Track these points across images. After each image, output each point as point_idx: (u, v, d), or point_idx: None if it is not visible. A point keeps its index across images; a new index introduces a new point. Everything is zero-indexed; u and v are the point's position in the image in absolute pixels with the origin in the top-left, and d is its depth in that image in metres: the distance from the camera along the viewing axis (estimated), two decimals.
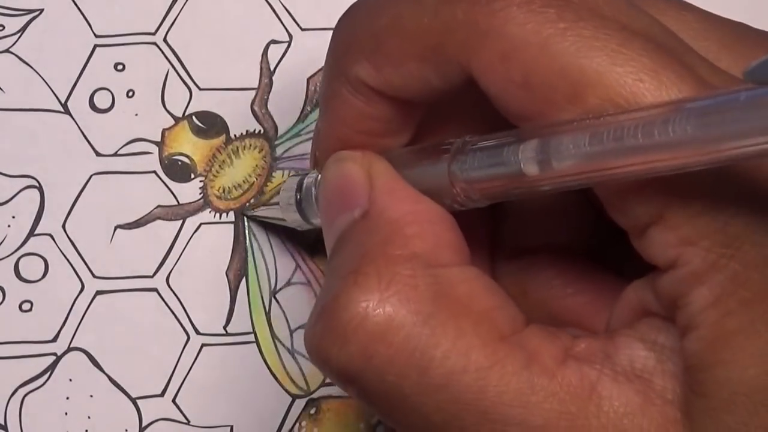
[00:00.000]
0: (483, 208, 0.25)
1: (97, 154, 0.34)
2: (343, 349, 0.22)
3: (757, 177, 0.20)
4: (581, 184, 0.21)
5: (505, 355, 0.22)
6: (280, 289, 0.34)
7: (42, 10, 0.35)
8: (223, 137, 0.35)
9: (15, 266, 0.33)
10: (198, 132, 0.35)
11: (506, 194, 0.23)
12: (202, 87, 0.35)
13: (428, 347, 0.22)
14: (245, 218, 0.34)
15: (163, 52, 0.35)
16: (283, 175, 0.34)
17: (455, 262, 0.23)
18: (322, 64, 0.35)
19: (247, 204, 0.34)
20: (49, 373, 0.33)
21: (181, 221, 0.34)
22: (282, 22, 0.35)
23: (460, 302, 0.22)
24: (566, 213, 0.26)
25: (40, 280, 0.33)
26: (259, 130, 0.35)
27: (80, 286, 0.33)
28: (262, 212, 0.33)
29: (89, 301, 0.33)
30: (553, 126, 0.21)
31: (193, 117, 0.35)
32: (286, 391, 0.33)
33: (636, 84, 0.20)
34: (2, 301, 0.33)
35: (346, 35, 0.25)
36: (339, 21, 0.26)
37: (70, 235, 0.34)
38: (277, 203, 0.31)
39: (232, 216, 0.34)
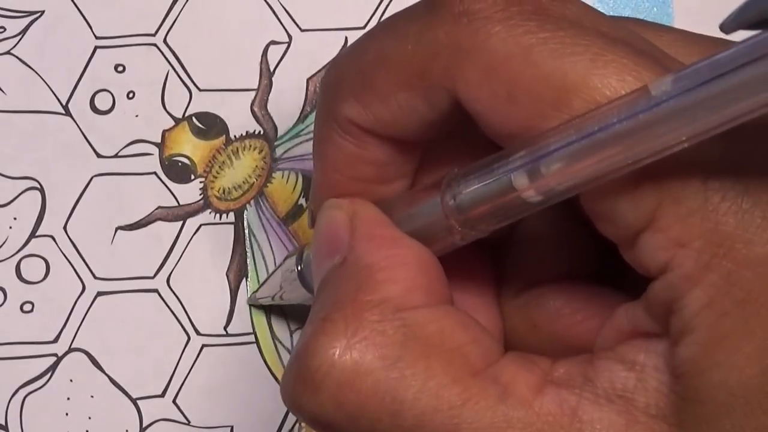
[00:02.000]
0: (485, 247, 0.25)
1: (98, 155, 0.34)
2: (314, 396, 0.22)
3: (745, 174, 0.20)
4: (573, 189, 0.21)
5: (478, 390, 0.22)
6: None
7: (43, 12, 0.35)
8: (223, 138, 0.35)
9: (16, 267, 0.34)
10: (198, 133, 0.35)
11: (503, 215, 0.23)
12: (202, 88, 0.35)
13: (398, 390, 0.22)
14: (246, 219, 0.34)
15: (163, 54, 0.35)
16: (283, 176, 0.35)
17: (427, 303, 0.23)
18: (322, 65, 0.35)
19: (249, 295, 0.34)
20: (50, 373, 0.33)
21: (181, 222, 0.34)
22: (281, 23, 0.35)
23: (430, 342, 0.22)
24: (567, 243, 0.26)
25: (41, 281, 0.34)
26: (259, 131, 0.35)
27: (81, 287, 0.34)
28: (265, 293, 0.32)
29: (90, 302, 0.33)
30: (539, 136, 0.21)
31: (193, 118, 0.35)
32: None
33: (620, 84, 0.20)
34: (3, 302, 0.33)
35: (334, 77, 0.25)
36: (327, 68, 0.26)
37: (71, 237, 0.34)
38: (278, 284, 0.30)
39: (232, 217, 0.34)
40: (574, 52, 0.21)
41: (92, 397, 0.33)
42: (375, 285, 0.23)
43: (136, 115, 0.35)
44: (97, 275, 0.34)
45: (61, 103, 0.35)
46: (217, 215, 0.34)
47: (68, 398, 0.33)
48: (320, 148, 0.26)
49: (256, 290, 0.33)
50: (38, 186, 0.34)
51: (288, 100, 0.35)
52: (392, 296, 0.23)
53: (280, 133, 0.35)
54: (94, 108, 0.35)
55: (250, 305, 0.34)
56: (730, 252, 0.20)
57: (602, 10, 0.35)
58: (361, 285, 0.23)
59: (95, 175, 0.34)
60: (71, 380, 0.33)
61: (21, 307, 0.33)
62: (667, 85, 0.19)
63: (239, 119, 0.35)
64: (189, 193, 0.34)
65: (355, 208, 0.25)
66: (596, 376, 0.22)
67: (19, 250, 0.34)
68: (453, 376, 0.22)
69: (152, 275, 0.34)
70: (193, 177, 0.34)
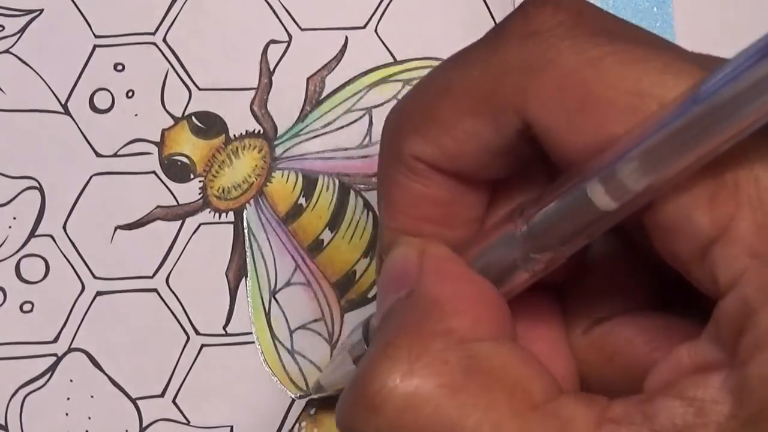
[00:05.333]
0: (550, 289, 0.25)
1: (97, 154, 0.34)
2: (372, 420, 0.22)
3: None
4: (650, 190, 0.21)
5: (538, 424, 0.22)
6: (280, 289, 0.34)
7: (42, 11, 0.35)
8: (222, 137, 0.35)
9: (16, 267, 0.34)
10: (197, 132, 0.35)
11: (580, 232, 0.23)
12: (201, 87, 0.35)
13: (458, 419, 0.21)
14: (245, 219, 0.34)
15: (162, 53, 0.35)
16: (283, 175, 0.34)
17: (491, 336, 0.23)
18: (322, 64, 0.35)
19: (312, 387, 0.33)
20: (49, 373, 0.33)
21: (180, 221, 0.34)
22: (281, 22, 0.35)
23: (492, 374, 0.22)
24: (632, 279, 0.26)
25: (40, 280, 0.34)
26: (259, 130, 0.35)
27: (81, 287, 0.33)
28: (331, 378, 0.31)
29: (90, 301, 0.33)
30: (611, 144, 0.21)
31: (193, 117, 0.35)
32: (286, 391, 0.33)
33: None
34: (3, 302, 0.33)
35: (397, 115, 0.25)
36: (390, 110, 0.26)
37: (70, 236, 0.34)
38: (347, 362, 0.29)
39: (231, 216, 0.34)
40: (646, 60, 0.21)
41: (92, 397, 0.33)
42: (441, 315, 0.23)
43: (136, 114, 0.35)
44: (96, 275, 0.34)
45: (60, 102, 0.34)
46: (217, 215, 0.34)
47: (68, 398, 0.33)
48: (385, 190, 0.25)
49: (321, 377, 0.32)
50: (37, 185, 0.34)
51: (288, 100, 0.35)
52: (457, 327, 0.23)
53: (279, 132, 0.35)
54: (93, 107, 0.35)
55: (313, 394, 0.33)
56: None
57: None
58: (427, 314, 0.23)
59: (94, 175, 0.34)
60: (71, 380, 0.33)
61: (21, 307, 0.33)
62: (727, 67, 0.19)
63: (239, 118, 0.35)
64: (188, 192, 0.34)
65: (425, 246, 0.24)
66: (655, 413, 0.21)
67: (18, 250, 0.34)
68: (514, 409, 0.22)
69: (151, 275, 0.34)
70: (192, 176, 0.34)
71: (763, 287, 0.20)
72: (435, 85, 0.24)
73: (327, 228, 0.34)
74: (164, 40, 0.35)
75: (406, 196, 0.25)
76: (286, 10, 0.35)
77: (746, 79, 0.19)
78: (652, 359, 0.24)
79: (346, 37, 0.35)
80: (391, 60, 0.35)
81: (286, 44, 0.35)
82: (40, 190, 0.34)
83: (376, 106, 0.35)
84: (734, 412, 0.20)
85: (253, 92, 0.35)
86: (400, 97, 0.35)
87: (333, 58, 0.35)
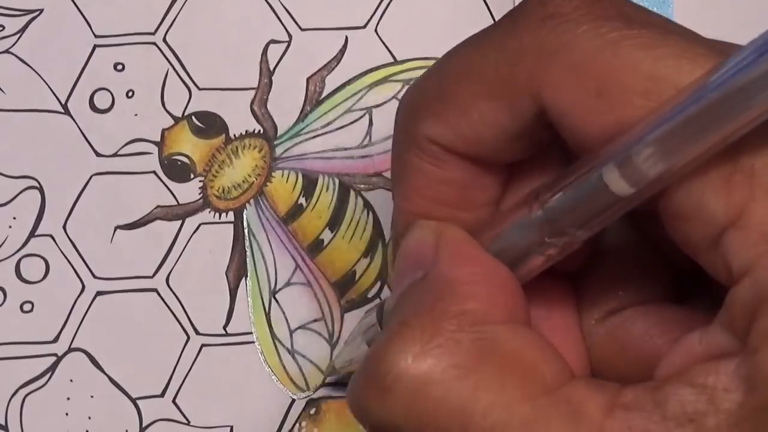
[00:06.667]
0: (565, 277, 0.25)
1: (97, 154, 0.34)
2: (383, 401, 0.22)
3: None
4: (666, 175, 0.21)
5: (550, 408, 0.22)
6: (280, 289, 0.34)
7: (42, 11, 0.35)
8: (222, 137, 0.35)
9: (16, 267, 0.34)
10: (197, 132, 0.35)
11: (596, 216, 0.22)
12: (201, 87, 0.35)
13: (470, 401, 0.21)
14: (245, 218, 0.34)
15: (162, 52, 0.35)
16: (283, 175, 0.34)
17: (505, 320, 0.23)
18: (322, 64, 0.35)
19: (326, 368, 0.33)
20: (49, 373, 0.33)
21: (180, 221, 0.34)
22: (281, 22, 0.35)
23: (505, 357, 0.22)
24: (647, 269, 0.26)
25: (40, 280, 0.34)
26: (259, 130, 0.35)
27: (81, 287, 0.33)
28: (345, 357, 0.31)
29: (90, 301, 0.33)
30: (627, 128, 0.21)
31: (193, 117, 0.35)
32: (286, 391, 0.33)
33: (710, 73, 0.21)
34: (3, 302, 0.33)
35: (411, 97, 0.25)
36: (405, 92, 0.26)
37: (70, 236, 0.34)
38: (358, 345, 0.29)
39: (231, 216, 0.34)
40: (663, 45, 0.21)
41: (92, 397, 0.33)
42: (455, 297, 0.23)
43: (136, 114, 0.35)
44: (96, 275, 0.34)
45: (60, 102, 0.34)
46: (217, 214, 0.34)
47: (68, 398, 0.33)
48: (399, 172, 0.25)
49: (335, 359, 0.32)
50: (37, 185, 0.34)
51: (288, 99, 0.35)
52: (472, 309, 0.22)
53: (279, 132, 0.35)
54: (93, 107, 0.35)
55: (325, 377, 0.33)
56: None
57: None
58: (441, 296, 0.23)
59: (94, 174, 0.34)
60: (71, 380, 0.33)
61: (20, 307, 0.33)
62: (743, 52, 0.19)
63: (239, 118, 0.35)
64: (188, 192, 0.34)
65: (442, 229, 0.24)
66: (666, 400, 0.21)
67: (18, 250, 0.34)
68: (526, 392, 0.22)
69: (151, 275, 0.34)
70: (192, 176, 0.34)
71: None
72: (451, 68, 0.24)
73: (327, 228, 0.34)
74: (164, 40, 0.35)
75: (421, 179, 0.25)
76: (286, 10, 0.35)
77: (761, 66, 0.19)
78: (665, 351, 0.24)
79: (346, 37, 0.35)
80: (391, 60, 0.35)
81: (286, 44, 0.35)
82: (40, 190, 0.34)
83: (376, 106, 0.35)
84: (745, 400, 0.20)
85: (253, 92, 0.35)
86: (400, 97, 0.35)
87: (333, 58, 0.35)
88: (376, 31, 0.35)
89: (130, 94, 0.35)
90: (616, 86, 0.21)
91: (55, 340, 0.33)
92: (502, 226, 0.24)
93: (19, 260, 0.34)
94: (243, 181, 0.34)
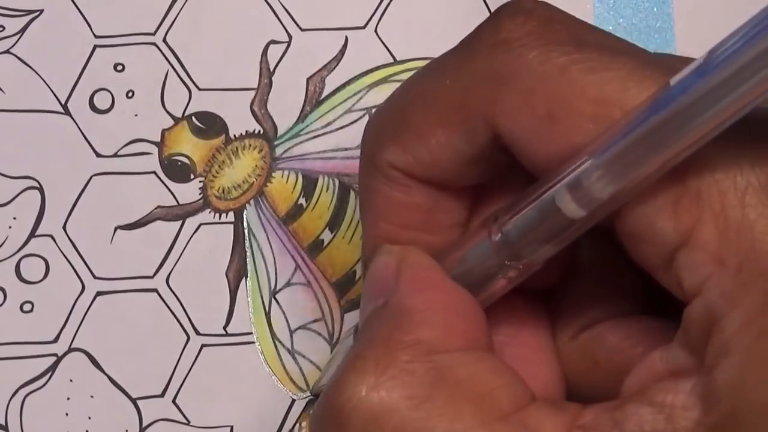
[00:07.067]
0: (537, 295, 0.25)
1: (97, 154, 0.34)
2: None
3: None
4: (615, 198, 0.21)
5: None
6: (280, 289, 0.34)
7: (42, 11, 0.35)
8: (222, 137, 0.35)
9: (16, 267, 0.34)
10: (197, 132, 0.35)
11: (552, 239, 0.23)
12: (201, 87, 0.35)
13: (424, 430, 0.22)
14: (245, 219, 0.34)
15: (162, 53, 0.35)
16: (283, 175, 0.34)
17: (461, 347, 0.23)
18: (322, 64, 0.35)
19: (312, 386, 0.33)
20: (49, 373, 0.33)
21: (180, 222, 0.34)
22: (281, 22, 0.35)
23: (460, 385, 0.22)
24: (619, 284, 0.26)
25: (41, 281, 0.34)
26: (259, 131, 0.35)
27: (81, 287, 0.34)
28: (326, 378, 0.31)
29: (90, 301, 0.33)
30: (578, 152, 0.21)
31: (193, 117, 0.35)
32: (286, 391, 0.33)
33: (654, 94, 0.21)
34: (3, 302, 0.33)
35: (374, 124, 0.26)
36: (369, 118, 0.26)
37: (70, 236, 0.34)
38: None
39: (231, 216, 0.34)
40: (611, 68, 0.21)
41: (92, 397, 0.33)
42: (410, 326, 0.23)
43: (136, 115, 0.35)
44: (96, 275, 0.34)
45: (60, 102, 0.34)
46: (217, 215, 0.34)
47: (68, 398, 0.33)
48: (366, 198, 0.26)
49: (320, 378, 0.32)
50: (37, 185, 0.34)
51: (288, 100, 0.35)
52: (426, 338, 0.23)
53: (279, 132, 0.35)
54: (93, 107, 0.35)
55: (313, 395, 0.33)
56: (767, 271, 0.20)
57: (602, 10, 0.35)
58: (397, 325, 0.23)
59: (94, 175, 0.34)
60: (71, 380, 0.33)
61: (21, 307, 0.33)
62: (687, 72, 0.20)
63: (239, 118, 0.35)
64: (188, 192, 0.34)
65: (404, 254, 0.25)
66: (625, 420, 0.21)
67: (18, 250, 0.34)
68: (480, 419, 0.22)
69: (152, 275, 0.34)
70: (192, 176, 0.34)
71: (726, 293, 0.20)
72: (410, 94, 0.25)
73: (327, 228, 0.34)
74: (164, 40, 0.35)
75: (386, 204, 0.25)
76: (286, 11, 0.35)
77: (699, 89, 0.19)
78: (636, 364, 0.24)
79: (346, 37, 0.35)
80: (391, 60, 0.35)
81: (286, 44, 0.35)
82: (40, 190, 0.34)
83: (376, 106, 0.35)
84: (702, 418, 0.20)
85: (253, 92, 0.35)
86: None
87: (333, 58, 0.35)
88: (375, 31, 0.35)
89: (130, 94, 0.35)
90: (566, 111, 0.22)
91: (55, 340, 0.33)
92: (464, 249, 0.24)
93: (19, 260, 0.34)
94: (243, 182, 0.34)
